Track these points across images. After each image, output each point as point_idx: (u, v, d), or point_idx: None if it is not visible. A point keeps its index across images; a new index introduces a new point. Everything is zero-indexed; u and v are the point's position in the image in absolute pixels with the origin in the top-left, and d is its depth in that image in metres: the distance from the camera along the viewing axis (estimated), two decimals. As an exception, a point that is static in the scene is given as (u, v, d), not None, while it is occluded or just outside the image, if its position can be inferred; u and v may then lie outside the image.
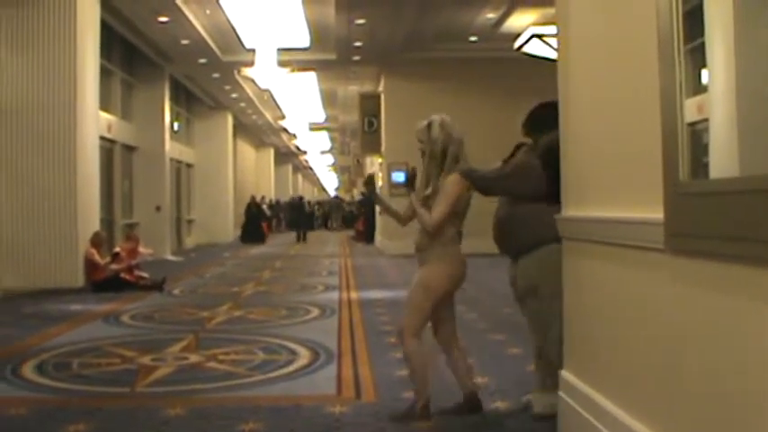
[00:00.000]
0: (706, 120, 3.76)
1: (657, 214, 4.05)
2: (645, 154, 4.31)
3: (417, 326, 6.67)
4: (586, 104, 5.62)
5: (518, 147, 7.12)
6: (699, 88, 3.85)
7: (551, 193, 6.40)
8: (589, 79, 5.55)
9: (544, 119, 6.83)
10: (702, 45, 3.71)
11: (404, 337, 6.72)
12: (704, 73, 3.79)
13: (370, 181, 7.12)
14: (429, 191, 6.77)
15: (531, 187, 6.63)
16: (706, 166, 3.75)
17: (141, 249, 17.81)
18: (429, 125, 6.88)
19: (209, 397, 7.46)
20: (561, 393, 6.07)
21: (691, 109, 3.85)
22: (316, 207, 60.42)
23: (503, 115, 26.35)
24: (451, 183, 6.67)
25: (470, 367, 7.12)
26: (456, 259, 6.78)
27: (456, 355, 6.93)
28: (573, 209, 5.91)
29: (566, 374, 6.03)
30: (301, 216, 43.05)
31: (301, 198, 49.25)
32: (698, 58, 3.79)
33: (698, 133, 3.85)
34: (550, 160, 6.52)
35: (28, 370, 8.71)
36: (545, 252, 6.54)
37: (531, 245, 6.65)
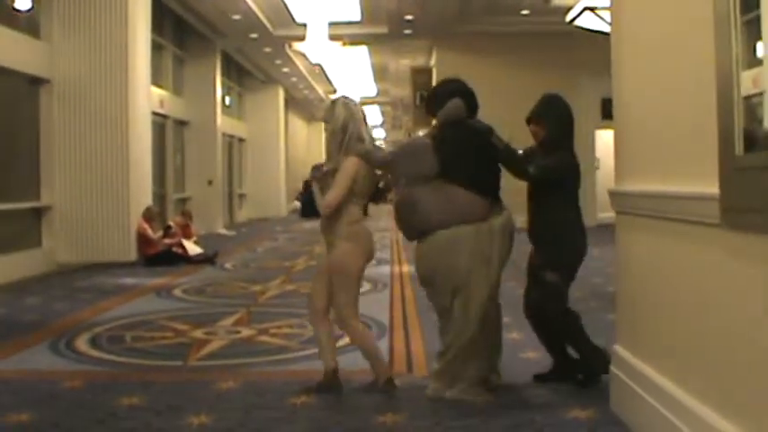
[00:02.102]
0: (761, 93, 3.70)
1: (712, 189, 4.00)
2: (700, 128, 4.26)
3: (351, 307, 6.69)
4: (640, 78, 5.55)
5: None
6: (754, 61, 3.79)
7: (446, 172, 6.45)
8: (643, 52, 5.48)
9: (438, 97, 6.89)
10: (758, 18, 3.65)
11: (345, 324, 6.74)
12: (759, 46, 3.73)
13: (318, 168, 7.06)
14: (330, 166, 6.76)
15: (423, 167, 6.57)
16: (762, 139, 3.69)
17: (193, 231, 17.99)
18: (333, 104, 6.91)
19: (261, 371, 7.50)
20: (613, 368, 6.03)
21: (746, 82, 3.80)
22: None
23: (555, 89, 26.12)
24: (348, 164, 6.66)
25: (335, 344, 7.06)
26: (363, 236, 6.78)
27: (328, 330, 6.91)
28: (625, 183, 5.85)
29: (618, 349, 5.99)
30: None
31: None
32: (754, 30, 3.73)
33: (753, 107, 3.79)
34: (445, 138, 6.59)
35: (82, 343, 8.80)
36: (435, 240, 6.53)
37: (424, 230, 6.61)
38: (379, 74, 37.33)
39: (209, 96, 26.46)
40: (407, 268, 15.37)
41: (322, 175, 6.78)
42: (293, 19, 24.71)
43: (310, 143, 53.08)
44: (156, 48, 21.30)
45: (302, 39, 24.04)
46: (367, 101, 46.07)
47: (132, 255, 16.17)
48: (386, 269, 15.49)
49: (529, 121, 7.11)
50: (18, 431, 5.82)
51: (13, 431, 5.82)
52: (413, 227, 6.68)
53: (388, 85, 40.49)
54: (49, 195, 16.04)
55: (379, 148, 6.96)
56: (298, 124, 48.19)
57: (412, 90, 30.29)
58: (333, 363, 6.80)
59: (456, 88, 6.95)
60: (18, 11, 15.30)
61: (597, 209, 26.21)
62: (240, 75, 34.28)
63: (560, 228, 6.78)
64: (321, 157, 50.85)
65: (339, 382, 6.78)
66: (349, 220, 6.68)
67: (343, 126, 6.73)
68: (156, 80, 21.00)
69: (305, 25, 23.58)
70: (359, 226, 6.76)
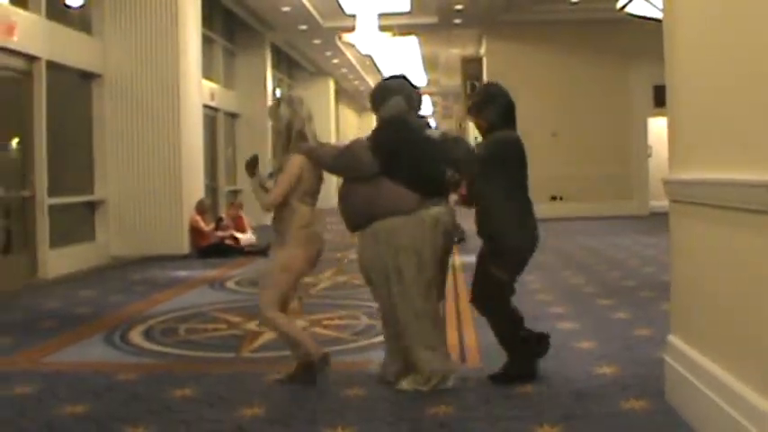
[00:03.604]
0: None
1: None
2: (756, 114, 4.20)
3: (274, 302, 6.71)
4: (694, 64, 5.48)
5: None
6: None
7: (384, 170, 6.45)
8: (697, 38, 5.41)
9: (380, 95, 6.85)
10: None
11: (264, 314, 6.77)
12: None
13: (252, 162, 7.02)
14: (276, 166, 6.82)
15: (362, 168, 6.56)
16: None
17: (246, 223, 18.03)
18: (277, 103, 6.92)
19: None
20: (667, 358, 5.97)
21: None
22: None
23: (606, 77, 26.09)
24: (291, 162, 6.68)
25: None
26: (313, 241, 6.81)
27: (294, 322, 7.02)
28: (680, 171, 5.78)
29: (673, 339, 5.93)
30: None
31: None
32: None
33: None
34: (380, 138, 6.60)
35: (136, 336, 8.86)
36: (367, 232, 6.57)
37: (355, 220, 6.67)
38: (430, 64, 37.28)
39: (259, 89, 26.51)
40: (460, 259, 15.33)
41: (270, 175, 6.89)
42: (342, 10, 24.70)
43: (361, 134, 53.04)
44: (207, 41, 21.37)
45: (352, 30, 24.01)
46: (417, 91, 45.94)
47: (185, 248, 16.26)
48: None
49: (469, 112, 7.06)
50: (73, 423, 5.87)
51: (68, 423, 5.87)
52: (346, 218, 6.76)
53: (438, 74, 40.44)
54: (103, 189, 16.17)
55: (323, 146, 6.92)
56: (349, 115, 48.24)
57: (462, 79, 30.21)
58: (317, 349, 6.85)
59: (398, 86, 6.92)
60: (70, 7, 15.40)
61: (650, 197, 26.04)
62: (290, 67, 34.35)
63: (500, 222, 6.66)
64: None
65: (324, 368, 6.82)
66: (300, 224, 6.72)
67: (288, 125, 6.77)
68: (207, 73, 21.09)
69: (354, 16, 23.55)
70: (309, 231, 6.78)
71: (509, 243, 6.65)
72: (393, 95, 6.75)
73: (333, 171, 6.94)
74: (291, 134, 6.75)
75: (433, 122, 6.44)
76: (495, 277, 6.64)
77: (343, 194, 6.71)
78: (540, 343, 6.86)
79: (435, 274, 6.62)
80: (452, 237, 6.80)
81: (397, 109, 6.70)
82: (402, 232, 6.41)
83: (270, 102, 26.34)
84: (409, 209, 6.44)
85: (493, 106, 6.83)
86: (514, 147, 6.79)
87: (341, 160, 6.77)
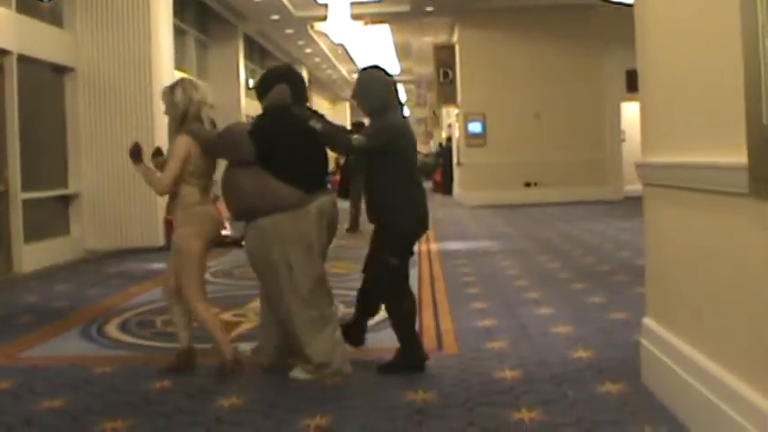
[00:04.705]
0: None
1: (741, 158, 3.97)
2: (727, 97, 4.23)
3: (196, 289, 6.78)
4: (665, 49, 5.51)
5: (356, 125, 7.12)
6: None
7: (263, 159, 6.50)
8: (668, 22, 5.44)
9: (265, 84, 6.89)
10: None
11: (190, 305, 6.82)
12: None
13: (135, 150, 7.05)
14: (168, 152, 6.89)
15: (240, 153, 6.60)
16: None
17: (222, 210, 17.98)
18: (172, 89, 6.91)
19: (291, 352, 7.52)
20: (643, 341, 6.02)
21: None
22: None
23: (579, 63, 26.16)
24: (178, 143, 6.72)
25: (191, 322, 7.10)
26: (202, 218, 6.83)
27: (182, 309, 6.98)
28: (652, 155, 5.82)
29: (649, 322, 5.97)
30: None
31: None
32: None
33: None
34: (260, 126, 6.66)
35: (113, 329, 8.84)
36: (256, 227, 6.60)
37: (241, 212, 6.72)
38: (402, 52, 37.25)
39: (232, 80, 26.47)
40: (436, 246, 15.38)
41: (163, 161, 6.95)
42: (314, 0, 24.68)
43: (336, 121, 52.99)
44: (179, 33, 21.31)
45: (324, 19, 24.00)
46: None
47: (160, 240, 16.20)
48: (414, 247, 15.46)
49: (353, 98, 7.08)
50: (51, 416, 5.87)
51: (46, 417, 5.86)
52: (233, 207, 6.78)
53: (411, 63, 40.40)
54: (77, 183, 16.10)
55: (210, 130, 6.93)
56: (322, 105, 48.17)
57: (435, 67, 30.25)
58: (186, 342, 6.95)
59: (282, 74, 6.98)
60: (41, 0, 15.33)
61: (624, 181, 26.16)
62: (263, 57, 34.26)
63: (386, 207, 6.72)
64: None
65: (193, 361, 6.92)
66: (185, 203, 6.77)
67: (183, 112, 6.80)
68: (180, 65, 21.02)
69: (326, 5, 23.53)
70: (196, 208, 6.80)
71: (395, 229, 6.71)
72: (277, 83, 6.77)
73: (213, 152, 6.89)
74: (186, 119, 6.78)
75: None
76: (386, 263, 6.68)
77: (227, 182, 6.70)
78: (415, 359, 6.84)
79: (322, 266, 6.73)
80: (336, 228, 6.91)
81: (280, 98, 6.73)
82: (288, 227, 6.47)
83: (242, 91, 26.35)
84: (293, 204, 6.49)
85: (367, 94, 6.86)
86: (393, 132, 6.75)
87: (220, 141, 6.81)
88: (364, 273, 7.01)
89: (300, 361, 6.61)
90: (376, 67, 7.09)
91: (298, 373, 6.58)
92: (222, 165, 6.88)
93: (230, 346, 6.88)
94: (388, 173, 6.64)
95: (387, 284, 6.77)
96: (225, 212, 7.29)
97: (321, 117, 6.81)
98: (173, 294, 6.95)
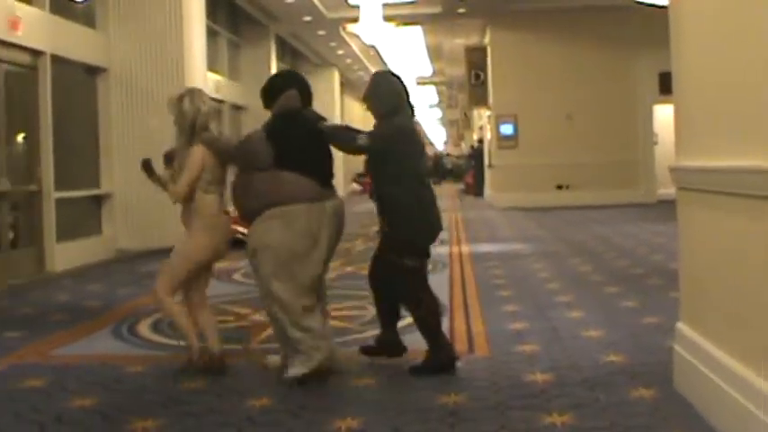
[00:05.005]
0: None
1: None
2: (764, 100, 4.18)
3: (169, 287, 6.85)
4: (700, 50, 5.47)
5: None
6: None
7: (279, 162, 6.52)
8: (703, 25, 5.39)
9: (273, 89, 6.94)
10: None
11: (158, 296, 6.88)
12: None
13: (147, 164, 7.07)
14: (178, 162, 6.91)
15: (258, 160, 6.63)
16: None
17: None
18: (180, 99, 6.97)
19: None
20: (677, 347, 5.97)
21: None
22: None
23: (611, 65, 26.05)
24: (193, 154, 6.75)
25: (218, 329, 7.22)
26: (218, 231, 6.89)
27: (207, 317, 7.10)
28: (687, 158, 5.77)
29: (682, 327, 5.92)
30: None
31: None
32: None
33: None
34: (273, 130, 6.67)
35: (144, 328, 8.86)
36: (266, 216, 6.58)
37: (255, 209, 6.67)
38: (434, 53, 37.24)
39: (264, 80, 26.43)
40: (467, 248, 15.35)
41: (175, 170, 6.95)
42: (346, 1, 24.69)
43: (366, 124, 52.99)
44: (211, 34, 21.38)
45: (356, 20, 24.00)
46: (422, 81, 45.97)
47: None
48: (445, 249, 15.44)
49: (364, 101, 7.14)
50: (82, 415, 5.88)
51: (77, 415, 5.88)
52: (245, 207, 6.77)
53: (442, 64, 40.39)
54: (109, 183, 16.19)
55: (224, 139, 7.12)
56: (354, 106, 48.15)
57: (467, 69, 30.24)
58: (217, 345, 6.98)
59: (291, 80, 7.10)
60: (74, 1, 15.40)
61: (657, 185, 26.03)
62: (295, 58, 34.32)
63: (393, 213, 6.75)
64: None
65: (224, 365, 6.91)
66: (206, 212, 6.81)
67: (192, 122, 6.85)
68: (212, 66, 21.09)
69: (358, 7, 23.53)
70: (219, 219, 6.88)
71: (404, 235, 6.73)
72: (288, 89, 6.85)
73: (232, 161, 6.94)
74: (195, 130, 6.84)
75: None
76: (400, 266, 6.70)
77: (241, 185, 6.72)
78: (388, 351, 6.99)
79: (326, 263, 6.77)
80: (342, 231, 6.89)
81: (289, 102, 6.79)
82: (303, 218, 6.48)
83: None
84: (311, 196, 6.53)
85: (378, 96, 6.91)
86: (399, 136, 6.80)
87: (240, 150, 6.87)
88: (372, 284, 7.07)
89: (292, 358, 6.59)
90: (388, 71, 7.18)
91: (294, 370, 6.52)
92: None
93: (196, 339, 6.94)
94: (395, 178, 6.68)
95: (407, 287, 6.77)
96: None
97: (326, 120, 6.92)
98: (195, 303, 7.11)
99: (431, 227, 6.86)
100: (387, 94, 6.86)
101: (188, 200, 6.83)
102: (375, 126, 6.94)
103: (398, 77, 7.08)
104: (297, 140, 6.59)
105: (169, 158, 7.07)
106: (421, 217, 6.74)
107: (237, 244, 7.39)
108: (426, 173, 7.08)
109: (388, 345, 7.03)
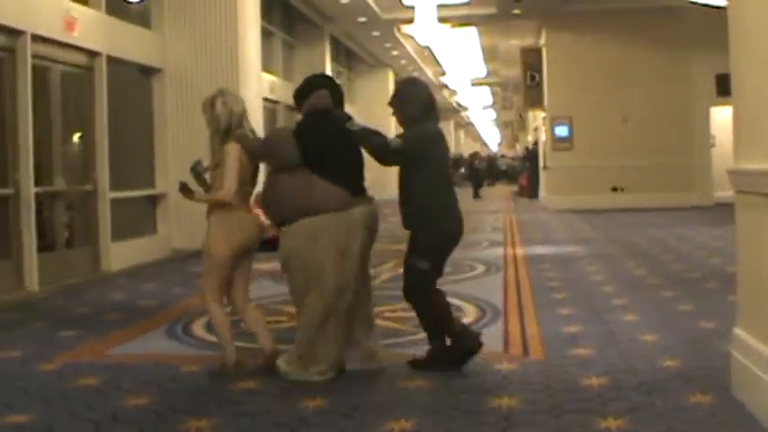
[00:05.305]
0: None
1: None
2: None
3: (214, 290, 6.88)
4: (760, 52, 5.39)
5: None
6: None
7: (307, 162, 6.56)
8: (763, 25, 5.31)
9: (305, 89, 7.01)
10: None
11: (206, 304, 6.94)
12: None
13: (184, 188, 7.08)
14: (211, 163, 6.97)
15: (283, 157, 6.70)
16: None
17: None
18: (212, 101, 6.96)
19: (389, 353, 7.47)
20: (734, 352, 5.89)
21: None
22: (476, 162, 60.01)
23: (667, 67, 25.83)
24: (230, 150, 6.78)
25: (267, 328, 7.22)
26: (236, 225, 6.89)
27: (254, 317, 7.12)
28: (746, 161, 5.69)
29: (739, 332, 5.85)
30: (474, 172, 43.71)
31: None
32: None
33: None
34: (304, 130, 6.74)
35: (198, 328, 8.90)
36: (295, 227, 6.61)
37: (283, 214, 6.71)
38: (489, 55, 37.18)
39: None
40: (522, 250, 15.28)
41: (203, 170, 7.04)
42: (401, 2, 24.71)
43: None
44: (266, 34, 21.44)
45: (411, 21, 24.03)
46: (477, 82, 45.88)
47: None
48: (499, 251, 15.42)
49: (390, 106, 7.13)
50: (137, 414, 5.91)
51: (132, 414, 5.91)
52: (273, 211, 6.83)
53: (497, 65, 40.31)
54: (164, 183, 16.29)
55: (254, 137, 7.06)
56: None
57: (522, 70, 30.16)
58: (233, 357, 7.01)
59: (323, 81, 7.19)
60: (129, 2, 15.50)
61: (714, 187, 25.80)
62: (349, 59, 34.41)
63: (422, 212, 6.79)
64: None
65: (276, 365, 6.87)
66: (223, 206, 6.83)
67: (225, 125, 6.87)
68: (267, 66, 21.16)
69: (413, 8, 23.54)
70: (234, 213, 6.87)
71: (425, 236, 6.77)
72: (318, 89, 6.91)
73: (259, 156, 6.99)
74: (229, 132, 6.87)
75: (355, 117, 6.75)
76: (417, 267, 6.75)
77: (270, 187, 6.80)
78: (469, 343, 6.88)
79: (357, 272, 6.75)
80: (375, 236, 6.94)
81: (320, 102, 6.85)
82: (331, 229, 6.51)
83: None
84: (339, 205, 6.54)
85: (404, 104, 6.95)
86: (430, 140, 6.88)
87: (265, 146, 6.96)
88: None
89: (309, 365, 6.66)
90: (414, 78, 7.24)
91: (285, 368, 6.68)
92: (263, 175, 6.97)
93: (234, 350, 6.96)
94: (419, 182, 6.75)
95: (413, 285, 6.86)
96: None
97: (356, 121, 6.89)
98: (238, 304, 7.16)
99: (450, 233, 6.94)
100: (413, 101, 6.93)
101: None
102: (404, 132, 6.96)
103: (424, 84, 7.19)
104: (325, 139, 6.65)
105: (197, 172, 7.09)
106: (441, 223, 6.82)
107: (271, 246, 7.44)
108: (452, 177, 7.11)
109: (464, 337, 6.96)
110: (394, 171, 6.98)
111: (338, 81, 7.17)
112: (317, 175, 6.54)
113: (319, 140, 6.63)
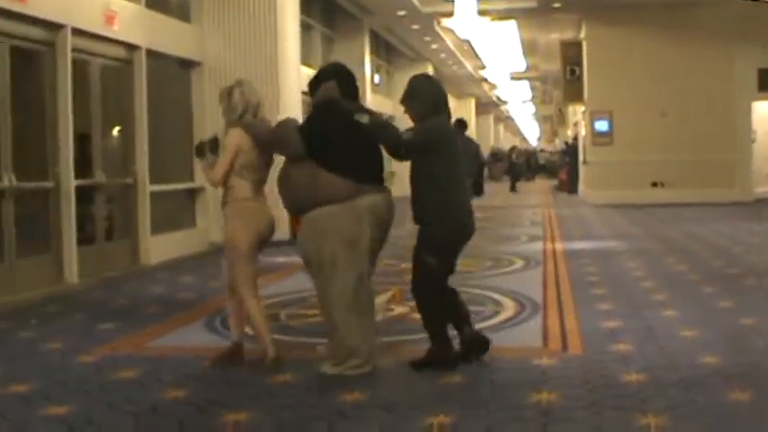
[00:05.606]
0: None
1: None
2: None
3: (248, 283, 6.88)
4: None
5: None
6: None
7: (311, 153, 6.54)
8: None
9: (317, 81, 6.96)
10: None
11: (244, 299, 6.91)
12: None
13: (200, 147, 7.08)
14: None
15: (288, 148, 6.71)
16: None
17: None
18: (230, 91, 7.01)
19: (414, 348, 7.40)
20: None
21: None
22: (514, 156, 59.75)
23: (708, 61, 25.62)
24: (229, 135, 6.82)
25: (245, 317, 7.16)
26: (252, 213, 6.90)
27: (235, 303, 7.09)
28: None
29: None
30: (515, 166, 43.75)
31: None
32: None
33: None
34: (310, 122, 6.79)
35: (237, 321, 8.92)
36: (307, 220, 6.63)
37: (296, 206, 6.75)
38: (528, 48, 37.01)
39: (358, 75, 26.12)
40: (561, 245, 15.22)
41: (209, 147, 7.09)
42: (441, -5, 24.68)
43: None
44: (305, 28, 21.45)
45: (450, 15, 23.95)
46: (516, 75, 45.71)
47: (286, 233, 16.32)
48: (538, 246, 15.37)
49: (402, 103, 7.13)
50: (176, 407, 5.94)
51: (171, 406, 5.94)
52: (286, 200, 6.83)
53: (537, 59, 40.13)
54: (202, 176, 16.30)
55: (264, 125, 7.04)
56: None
57: (562, 64, 29.99)
58: (237, 336, 7.09)
59: (332, 71, 7.10)
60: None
61: (754, 183, 25.59)
62: (389, 52, 34.38)
63: (426, 209, 6.74)
64: (471, 134, 50.61)
65: (242, 356, 7.02)
66: (237, 197, 6.86)
67: (241, 114, 6.91)
68: (306, 60, 21.17)
69: (453, 1, 23.48)
70: (248, 204, 6.88)
71: (434, 231, 6.73)
72: (327, 80, 6.87)
73: (267, 146, 6.96)
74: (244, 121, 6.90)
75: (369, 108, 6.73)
76: (424, 263, 6.72)
77: (281, 177, 6.79)
78: (476, 348, 6.89)
79: (367, 264, 6.73)
80: (387, 226, 6.88)
81: (327, 93, 6.81)
82: (338, 220, 6.51)
83: (367, 86, 26.39)
84: (345, 196, 6.52)
85: (416, 101, 6.94)
86: (440, 134, 6.86)
87: (272, 135, 6.90)
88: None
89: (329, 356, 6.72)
90: (427, 75, 7.22)
91: (326, 368, 6.66)
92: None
93: (272, 344, 6.94)
94: (429, 177, 6.72)
95: (420, 280, 6.82)
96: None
97: (369, 112, 6.90)
98: (228, 288, 7.14)
99: (463, 226, 6.90)
100: (425, 97, 6.93)
101: (224, 186, 6.95)
102: (415, 126, 6.94)
103: (436, 81, 7.26)
104: (329, 131, 6.64)
105: (200, 151, 7.15)
106: (449, 222, 6.78)
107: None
108: (464, 174, 7.08)
109: (474, 340, 6.96)
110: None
111: (351, 70, 7.08)
112: (322, 168, 6.53)
113: (323, 133, 6.61)
